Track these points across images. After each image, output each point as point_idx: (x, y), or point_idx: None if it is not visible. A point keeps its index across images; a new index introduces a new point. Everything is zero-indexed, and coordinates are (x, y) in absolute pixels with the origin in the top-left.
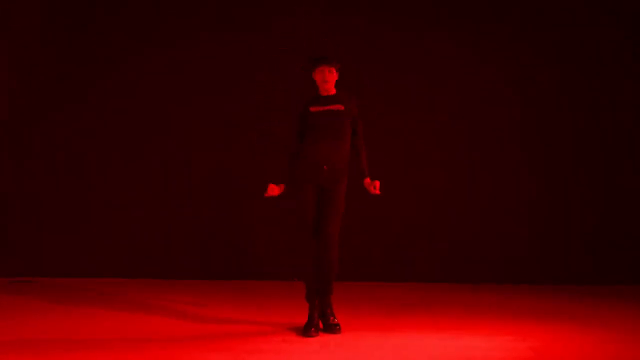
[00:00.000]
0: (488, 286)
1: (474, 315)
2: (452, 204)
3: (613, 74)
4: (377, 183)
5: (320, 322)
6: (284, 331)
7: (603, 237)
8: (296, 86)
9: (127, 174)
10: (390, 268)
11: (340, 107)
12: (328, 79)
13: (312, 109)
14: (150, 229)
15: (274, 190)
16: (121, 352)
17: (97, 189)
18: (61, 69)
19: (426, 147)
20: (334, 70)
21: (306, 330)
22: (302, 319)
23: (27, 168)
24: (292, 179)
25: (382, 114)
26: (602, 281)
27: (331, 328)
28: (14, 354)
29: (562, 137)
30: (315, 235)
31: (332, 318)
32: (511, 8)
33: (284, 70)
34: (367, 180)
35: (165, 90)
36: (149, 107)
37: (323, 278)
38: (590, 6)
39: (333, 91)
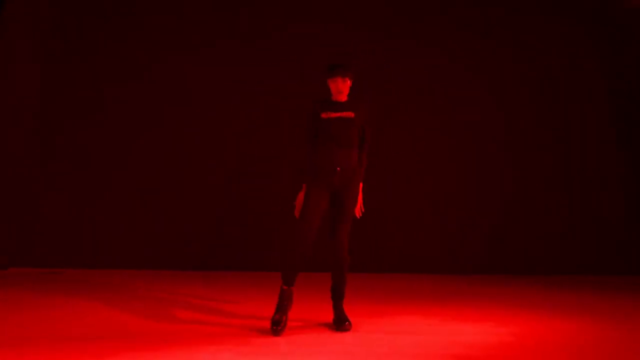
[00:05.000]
0: (479, 277)
1: (463, 303)
2: (446, 198)
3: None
4: (361, 209)
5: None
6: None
7: (590, 229)
8: (306, 90)
9: (135, 171)
10: (381, 259)
11: (351, 115)
12: (342, 89)
13: (324, 115)
14: (157, 222)
15: (301, 199)
16: (107, 343)
17: (104, 185)
18: (78, 69)
19: (431, 147)
20: (348, 80)
21: (275, 326)
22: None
23: (52, 168)
24: (308, 180)
25: (391, 115)
26: (587, 271)
27: (345, 328)
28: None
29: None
30: (330, 236)
31: (347, 323)
32: (522, 10)
33: (293, 75)
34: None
35: (176, 92)
36: (161, 107)
37: (335, 280)
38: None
39: (345, 98)
